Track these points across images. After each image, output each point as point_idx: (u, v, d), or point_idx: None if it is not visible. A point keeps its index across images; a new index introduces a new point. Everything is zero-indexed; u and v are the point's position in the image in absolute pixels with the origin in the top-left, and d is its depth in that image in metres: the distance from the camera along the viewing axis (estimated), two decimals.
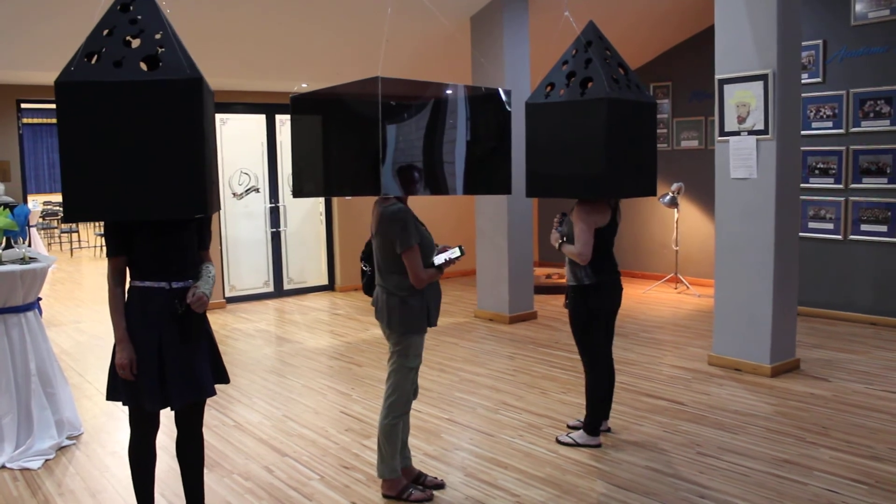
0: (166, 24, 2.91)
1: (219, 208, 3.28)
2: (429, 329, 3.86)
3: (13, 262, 4.53)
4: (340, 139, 3.78)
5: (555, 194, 4.37)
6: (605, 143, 3.98)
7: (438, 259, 3.69)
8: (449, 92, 3.82)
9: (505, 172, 3.96)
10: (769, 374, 5.70)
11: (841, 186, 7.54)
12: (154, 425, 3.26)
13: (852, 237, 7.49)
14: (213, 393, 3.22)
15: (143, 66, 2.88)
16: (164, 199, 2.90)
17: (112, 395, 3.16)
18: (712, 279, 6.57)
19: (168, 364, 3.07)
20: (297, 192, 4.04)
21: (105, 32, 2.89)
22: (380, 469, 3.85)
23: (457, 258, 3.69)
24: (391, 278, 3.73)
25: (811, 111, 7.67)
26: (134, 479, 3.29)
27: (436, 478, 4.01)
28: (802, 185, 7.19)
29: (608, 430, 4.67)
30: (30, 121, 20.64)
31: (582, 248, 4.22)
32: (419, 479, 3.97)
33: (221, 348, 3.43)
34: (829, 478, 3.94)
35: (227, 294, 9.38)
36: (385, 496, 3.84)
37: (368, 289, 3.99)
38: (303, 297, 9.86)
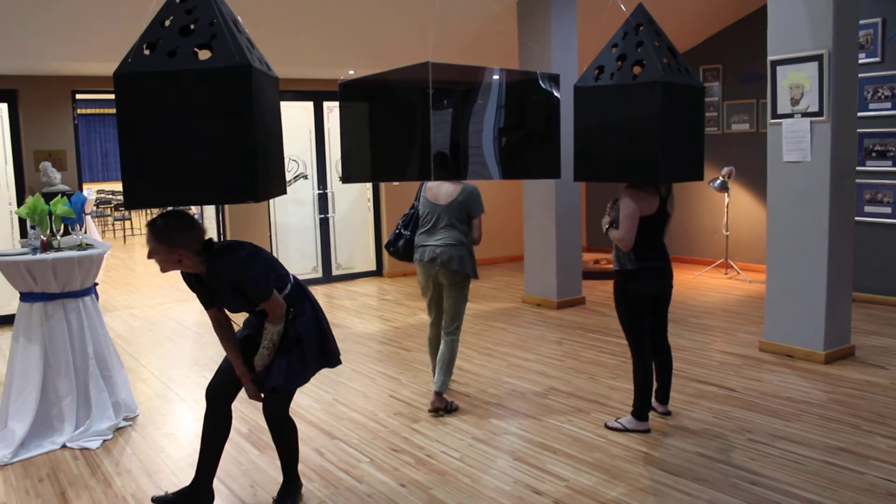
0: (218, 12, 2.94)
1: (282, 193, 3.32)
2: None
3: (71, 248, 4.65)
4: (389, 124, 3.80)
5: (603, 178, 4.32)
6: (659, 127, 3.91)
7: None
8: (496, 77, 3.81)
9: (553, 156, 3.93)
10: (822, 360, 5.60)
11: None
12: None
13: None
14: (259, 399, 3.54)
15: (201, 54, 2.93)
16: (217, 185, 2.94)
17: None
18: (763, 265, 6.47)
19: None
20: (346, 177, 4.08)
21: (162, 23, 2.94)
22: (445, 384, 4.82)
23: None
24: (462, 234, 4.77)
25: (868, 92, 7.47)
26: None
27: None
28: (858, 167, 7.03)
29: (668, 413, 4.65)
30: (83, 111, 21.07)
31: (624, 234, 4.18)
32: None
33: None
34: (887, 467, 3.86)
35: None
36: (434, 410, 4.81)
37: (406, 251, 4.99)
38: (351, 282, 9.94)
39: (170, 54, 2.87)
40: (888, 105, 7.36)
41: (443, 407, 4.82)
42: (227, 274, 3.20)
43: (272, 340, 3.35)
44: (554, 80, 4.09)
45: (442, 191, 4.83)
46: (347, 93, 3.95)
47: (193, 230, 3.15)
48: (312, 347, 3.46)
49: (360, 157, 4.01)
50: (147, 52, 2.91)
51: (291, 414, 3.59)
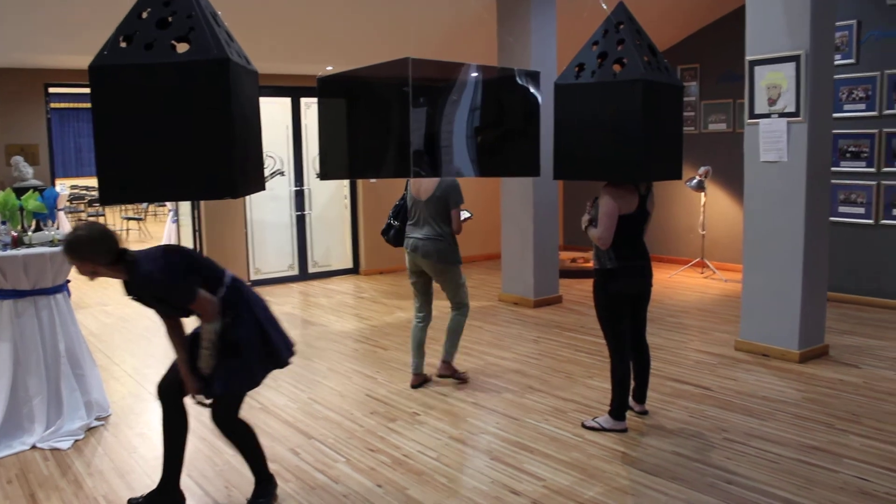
0: (196, 5, 2.89)
1: (260, 189, 3.27)
2: None
3: (42, 244, 4.57)
4: (367, 121, 3.77)
5: (583, 177, 4.30)
6: (640, 125, 3.90)
7: (463, 214, 5.17)
8: (475, 74, 3.79)
9: (532, 154, 3.92)
10: (797, 359, 5.64)
11: (873, 170, 7.41)
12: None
13: (884, 222, 7.37)
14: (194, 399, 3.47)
15: (179, 47, 2.88)
16: (193, 180, 2.90)
17: None
18: (739, 264, 6.51)
19: None
20: (324, 174, 4.04)
21: (139, 15, 2.90)
22: (450, 354, 5.32)
23: (468, 218, 5.24)
24: (441, 227, 5.03)
25: (843, 93, 7.54)
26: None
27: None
28: (833, 168, 7.09)
29: (645, 412, 4.65)
30: (57, 105, 20.82)
31: (602, 233, 4.17)
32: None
33: None
34: (860, 465, 3.89)
35: (252, 277, 9.42)
36: (443, 375, 5.36)
37: (397, 240, 5.34)
38: (327, 280, 9.89)
39: (146, 47, 2.83)
40: (862, 107, 7.43)
41: (450, 374, 5.35)
42: (141, 282, 3.15)
43: (210, 340, 3.25)
44: (533, 77, 4.08)
45: (422, 187, 5.09)
46: (326, 89, 3.92)
47: (102, 243, 3.08)
48: (253, 350, 3.37)
49: (338, 153, 3.97)
50: (123, 44, 2.86)
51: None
